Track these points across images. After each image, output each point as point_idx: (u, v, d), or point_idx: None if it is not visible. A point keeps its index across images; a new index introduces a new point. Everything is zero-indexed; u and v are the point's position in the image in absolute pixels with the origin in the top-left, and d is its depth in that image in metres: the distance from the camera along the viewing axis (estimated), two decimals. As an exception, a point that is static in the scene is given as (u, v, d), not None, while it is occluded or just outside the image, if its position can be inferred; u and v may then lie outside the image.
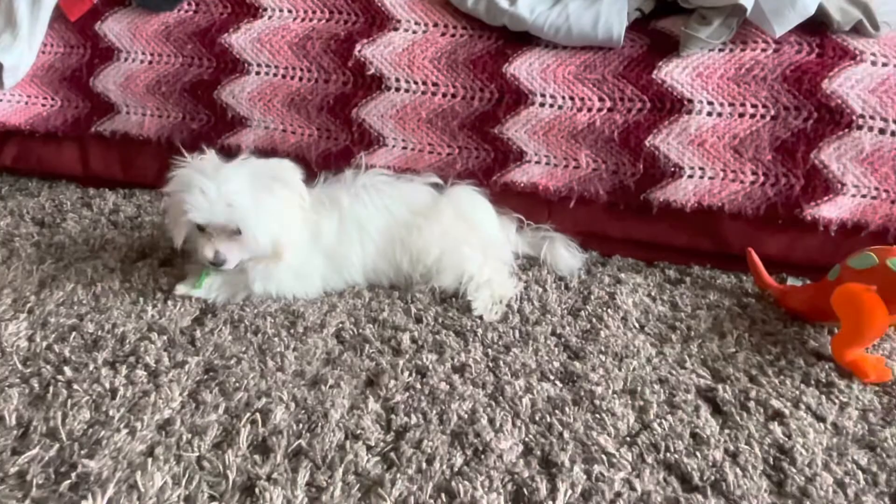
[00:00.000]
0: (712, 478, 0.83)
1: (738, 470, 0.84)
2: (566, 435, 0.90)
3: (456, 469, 0.83)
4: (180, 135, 1.68)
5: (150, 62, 1.70)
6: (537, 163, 1.48)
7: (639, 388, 1.01)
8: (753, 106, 1.35)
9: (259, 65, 1.61)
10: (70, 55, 1.76)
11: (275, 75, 1.61)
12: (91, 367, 1.01)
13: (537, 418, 0.93)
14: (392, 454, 0.85)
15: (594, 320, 1.22)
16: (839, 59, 1.32)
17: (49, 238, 1.48)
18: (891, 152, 1.29)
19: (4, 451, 0.83)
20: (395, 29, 1.55)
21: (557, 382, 1.03)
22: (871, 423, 0.95)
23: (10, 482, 0.79)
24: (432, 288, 1.30)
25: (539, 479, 0.81)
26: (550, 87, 1.44)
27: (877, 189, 1.32)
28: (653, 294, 1.33)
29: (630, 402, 0.98)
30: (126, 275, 1.31)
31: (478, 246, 1.30)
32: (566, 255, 1.42)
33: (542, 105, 1.45)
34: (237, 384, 0.98)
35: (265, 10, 1.63)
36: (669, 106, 1.38)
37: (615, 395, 0.99)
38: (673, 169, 1.39)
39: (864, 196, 1.32)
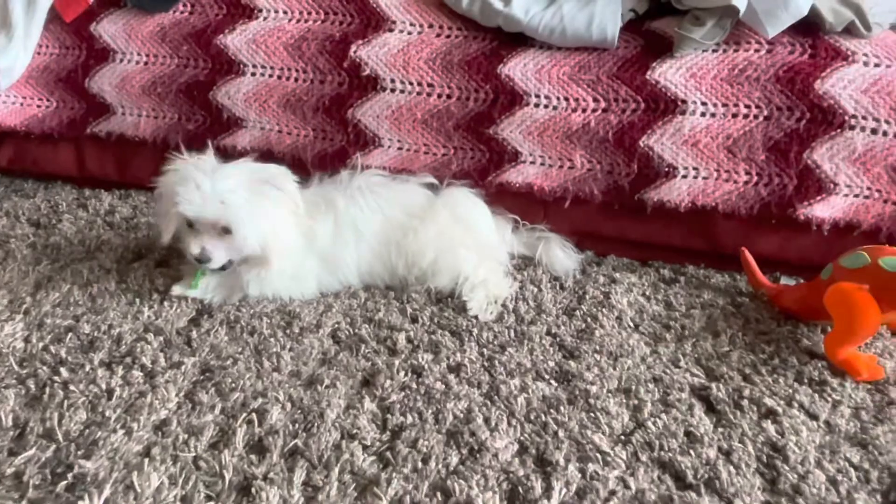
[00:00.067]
0: (706, 476, 0.83)
1: (731, 468, 0.85)
2: (561, 434, 0.90)
3: (451, 468, 0.83)
4: (176, 136, 1.68)
5: (146, 63, 1.70)
6: (532, 163, 1.48)
7: (633, 387, 1.01)
8: (747, 106, 1.35)
9: (255, 66, 1.62)
10: (65, 56, 1.76)
11: (270, 76, 1.61)
12: (87, 367, 1.01)
13: (532, 417, 0.94)
14: (388, 453, 0.85)
15: (589, 320, 1.22)
16: (831, 59, 1.33)
17: (45, 239, 1.48)
18: (883, 152, 1.30)
19: (1, 452, 0.84)
20: (391, 30, 1.56)
21: (552, 382, 1.03)
22: (864, 420, 0.96)
23: (6, 483, 0.79)
24: (428, 288, 1.30)
25: (534, 478, 0.81)
26: (545, 88, 1.45)
27: (869, 189, 1.33)
28: (647, 293, 1.34)
29: (624, 400, 0.98)
30: (122, 276, 1.32)
31: (473, 247, 1.31)
32: (562, 256, 1.43)
33: (536, 106, 1.45)
34: (233, 384, 0.98)
35: (260, 11, 1.64)
36: (663, 106, 1.39)
37: (610, 394, 1.00)
38: (667, 169, 1.40)
39: (856, 196, 1.33)
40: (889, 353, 1.15)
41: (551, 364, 1.08)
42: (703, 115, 1.37)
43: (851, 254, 1.15)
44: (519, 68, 1.46)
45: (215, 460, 0.83)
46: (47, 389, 0.95)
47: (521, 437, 0.90)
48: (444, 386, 1.00)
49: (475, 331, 1.17)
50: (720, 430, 0.93)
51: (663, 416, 0.95)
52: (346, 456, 0.84)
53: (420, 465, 0.83)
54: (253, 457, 0.84)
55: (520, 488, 0.80)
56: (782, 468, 0.85)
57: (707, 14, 1.35)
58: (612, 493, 0.80)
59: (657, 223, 1.45)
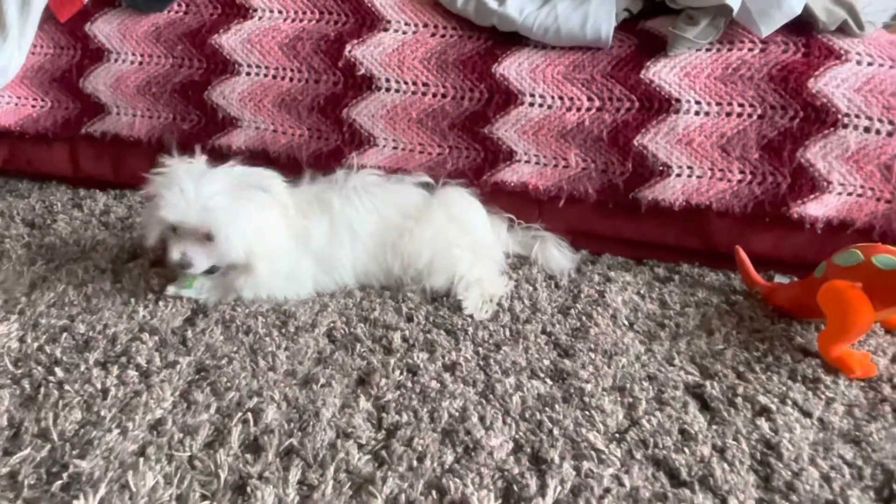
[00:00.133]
0: (700, 473, 0.84)
1: (725, 465, 0.85)
2: (556, 432, 0.90)
3: (447, 466, 0.84)
4: (171, 136, 1.68)
5: (141, 63, 1.70)
6: (527, 162, 1.49)
7: (628, 385, 1.02)
8: (740, 105, 1.36)
9: (249, 65, 1.62)
10: (60, 56, 1.75)
11: (265, 76, 1.61)
12: (82, 367, 1.01)
13: (527, 416, 0.94)
14: (383, 452, 0.85)
15: (584, 318, 1.23)
16: (825, 58, 1.34)
17: (40, 239, 1.48)
18: (875, 150, 1.31)
19: (-4, 451, 0.84)
20: (385, 29, 1.56)
21: (547, 380, 1.03)
22: (857, 418, 0.96)
23: (1, 483, 0.79)
24: (423, 287, 1.30)
25: (529, 476, 0.82)
26: (540, 87, 1.45)
27: (862, 187, 1.33)
28: (642, 292, 1.34)
29: (619, 398, 0.99)
30: (117, 275, 1.32)
31: (468, 246, 1.31)
32: (557, 256, 1.43)
33: (531, 105, 1.45)
34: (229, 384, 0.98)
35: (255, 10, 1.64)
36: (657, 105, 1.39)
37: (604, 393, 1.00)
38: (661, 168, 1.40)
39: (849, 194, 1.34)
40: (882, 350, 1.15)
41: (546, 362, 1.08)
42: (697, 113, 1.38)
43: (845, 252, 1.16)
44: (514, 67, 1.47)
45: (210, 459, 0.83)
46: (42, 389, 0.95)
47: (516, 436, 0.90)
48: (439, 385, 1.00)
49: (470, 330, 1.17)
50: (714, 427, 0.93)
51: (658, 413, 0.95)
52: (341, 455, 0.84)
53: (415, 463, 0.83)
54: (248, 456, 0.84)
55: (515, 486, 0.80)
56: (776, 465, 0.85)
57: (701, 13, 1.35)
58: (607, 490, 0.81)
59: (652, 222, 1.46)
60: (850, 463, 0.87)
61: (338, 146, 1.58)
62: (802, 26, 1.36)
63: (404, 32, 1.55)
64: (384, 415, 0.93)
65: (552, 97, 1.44)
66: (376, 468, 0.83)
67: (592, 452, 0.86)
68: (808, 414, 0.96)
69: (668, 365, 1.08)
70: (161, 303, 1.22)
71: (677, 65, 1.39)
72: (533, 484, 0.80)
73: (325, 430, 0.89)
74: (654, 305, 1.29)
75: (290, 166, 1.57)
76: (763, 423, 0.93)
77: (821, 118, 1.32)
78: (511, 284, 1.34)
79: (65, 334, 1.10)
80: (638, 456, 0.87)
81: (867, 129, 1.31)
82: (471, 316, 1.22)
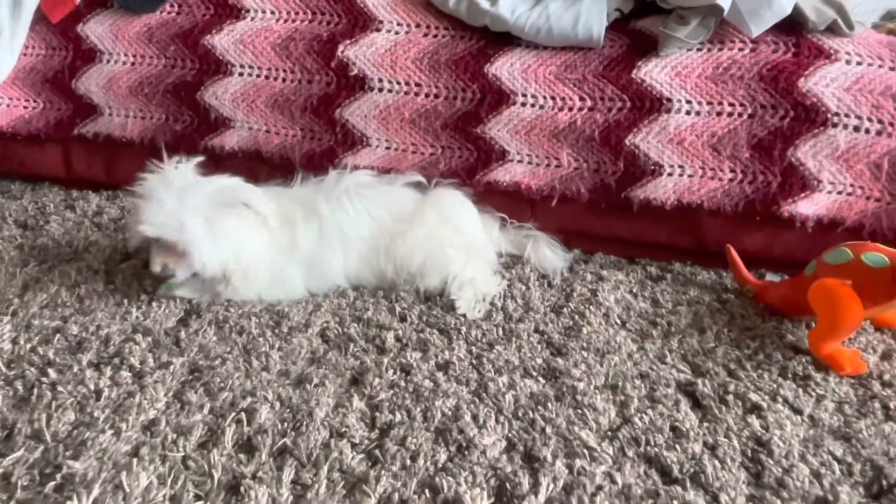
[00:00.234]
0: (691, 470, 0.84)
1: (716, 462, 0.86)
2: (548, 430, 0.91)
3: (440, 465, 0.84)
4: (163, 136, 1.68)
5: (133, 64, 1.70)
6: (519, 162, 1.49)
7: (620, 384, 1.02)
8: (731, 105, 1.37)
9: (242, 66, 1.62)
10: (52, 57, 1.75)
11: (258, 76, 1.61)
12: (75, 368, 1.01)
13: (520, 414, 0.94)
14: (377, 451, 0.86)
15: (576, 317, 1.23)
16: (814, 58, 1.34)
17: (32, 240, 1.47)
18: (865, 149, 1.32)
19: (-11, 453, 0.84)
20: (378, 30, 1.56)
21: (540, 379, 1.04)
22: (847, 414, 0.97)
23: (-5, 484, 0.79)
24: (416, 287, 1.31)
25: (522, 474, 0.82)
26: (532, 87, 1.45)
27: (852, 186, 1.34)
28: (634, 291, 1.35)
29: (611, 397, 0.99)
30: (110, 276, 1.31)
31: (461, 246, 1.31)
32: (550, 255, 1.44)
33: (523, 105, 1.46)
34: (222, 384, 0.99)
35: (248, 11, 1.64)
36: (649, 105, 1.40)
37: (597, 391, 1.01)
38: (653, 167, 1.41)
39: (839, 193, 1.35)
40: (872, 347, 1.16)
41: (539, 361, 1.08)
42: (688, 113, 1.38)
43: (834, 250, 1.17)
44: (506, 67, 1.47)
45: (204, 460, 0.83)
46: (35, 390, 0.95)
47: (509, 434, 0.90)
48: (432, 384, 1.01)
49: (463, 329, 1.18)
50: (706, 425, 0.93)
51: (650, 411, 0.96)
52: (334, 454, 0.84)
53: (408, 462, 0.84)
54: (242, 456, 0.84)
55: (507, 484, 0.81)
56: (767, 462, 0.86)
57: (691, 13, 1.36)
58: (599, 488, 0.81)
59: (643, 221, 1.46)
60: (840, 459, 0.87)
61: (331, 146, 1.58)
62: (792, 26, 1.36)
63: (397, 33, 1.56)
64: (377, 414, 0.93)
65: (544, 97, 1.45)
66: (370, 467, 0.83)
67: (585, 450, 0.87)
68: (798, 411, 0.97)
69: (660, 363, 1.09)
70: (154, 304, 1.22)
71: (668, 64, 1.40)
72: (525, 482, 0.81)
73: (318, 430, 0.89)
74: (646, 304, 1.30)
75: (284, 167, 1.58)
76: (754, 421, 0.94)
77: (811, 117, 1.33)
78: (504, 284, 1.35)
79: (58, 335, 1.10)
80: (630, 453, 0.87)
81: (857, 129, 1.32)
82: (464, 315, 1.23)
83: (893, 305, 1.11)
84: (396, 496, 0.78)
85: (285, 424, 0.90)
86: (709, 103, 1.37)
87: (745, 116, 1.36)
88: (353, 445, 0.87)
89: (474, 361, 1.08)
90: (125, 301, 1.22)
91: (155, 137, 1.69)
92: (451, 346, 1.12)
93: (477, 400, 0.97)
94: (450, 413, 0.94)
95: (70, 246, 1.45)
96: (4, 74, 1.75)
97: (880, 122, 1.31)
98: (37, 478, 0.80)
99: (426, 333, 1.15)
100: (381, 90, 1.53)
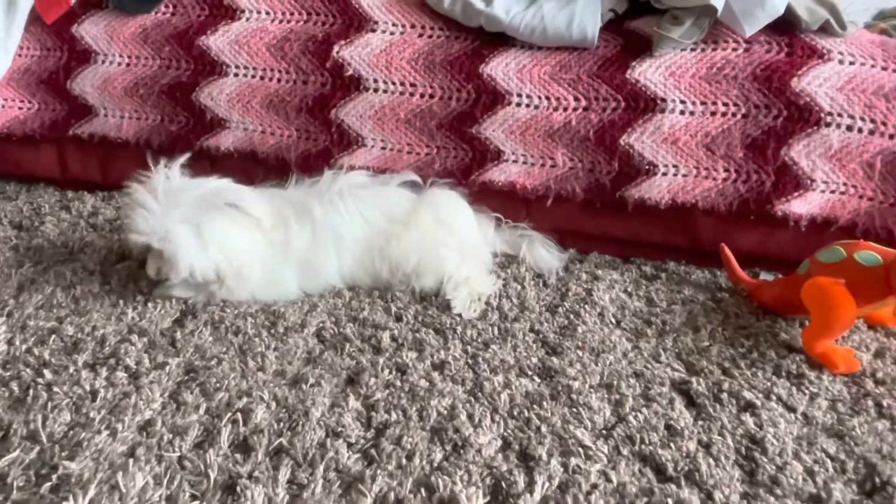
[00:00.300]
0: (686, 468, 0.85)
1: (711, 460, 0.86)
2: (544, 429, 0.91)
3: (435, 464, 0.84)
4: (159, 137, 1.68)
5: (128, 64, 1.70)
6: (514, 162, 1.49)
7: (615, 382, 1.03)
8: (725, 104, 1.37)
9: (237, 66, 1.62)
10: (47, 58, 1.75)
11: (253, 77, 1.61)
12: (71, 369, 1.01)
13: (515, 413, 0.95)
14: (372, 451, 0.86)
15: (572, 316, 1.24)
16: (808, 58, 1.35)
17: (27, 241, 1.47)
18: (858, 149, 1.32)
19: (-15, 454, 0.84)
20: (373, 30, 1.56)
21: (535, 378, 1.04)
22: (840, 412, 0.97)
23: (-9, 485, 0.79)
24: (412, 287, 1.31)
25: (517, 473, 0.82)
26: (527, 87, 1.46)
27: (845, 185, 1.35)
28: (629, 290, 1.35)
29: (606, 395, 1.00)
30: (105, 277, 1.31)
31: (456, 246, 1.31)
32: (545, 255, 1.44)
33: (518, 105, 1.46)
34: (218, 384, 0.99)
35: (243, 11, 1.64)
36: (643, 105, 1.40)
37: (592, 390, 1.01)
38: (647, 167, 1.41)
39: (832, 192, 1.35)
40: (865, 345, 1.16)
41: (534, 360, 1.09)
42: (682, 113, 1.39)
43: (828, 249, 1.17)
44: (501, 68, 1.47)
45: (200, 460, 0.83)
46: (31, 391, 0.95)
47: (505, 433, 0.90)
48: (428, 383, 1.01)
49: (459, 328, 1.18)
50: (700, 423, 0.94)
51: (644, 410, 0.96)
52: (330, 454, 0.85)
53: (404, 461, 0.84)
54: (238, 456, 0.84)
55: (503, 483, 0.81)
56: (761, 460, 0.86)
57: (685, 13, 1.36)
58: (594, 486, 0.81)
59: (638, 220, 1.47)
60: (834, 457, 0.88)
61: (326, 147, 1.58)
62: (785, 26, 1.37)
63: (392, 33, 1.56)
64: (373, 414, 0.93)
65: (539, 97, 1.45)
66: (365, 467, 0.83)
67: (580, 449, 0.87)
68: (792, 409, 0.98)
69: (655, 362, 1.09)
70: (150, 304, 1.22)
71: (662, 64, 1.40)
72: (521, 481, 0.81)
73: (314, 430, 0.89)
74: (640, 303, 1.30)
75: (279, 167, 1.58)
76: (748, 419, 0.94)
77: (804, 117, 1.33)
78: (499, 283, 1.35)
79: (53, 336, 1.10)
80: (625, 452, 0.88)
81: (849, 128, 1.32)
82: (459, 315, 1.23)
83: (886, 304, 1.11)
84: (392, 495, 0.79)
85: (281, 424, 0.90)
86: (703, 103, 1.38)
87: (738, 116, 1.37)
88: (349, 445, 0.87)
89: (470, 361, 1.08)
90: (121, 302, 1.22)
91: (150, 138, 1.69)
92: (447, 345, 1.13)
93: (472, 399, 0.97)
94: (445, 412, 0.94)
95: (65, 247, 1.45)
96: (-1, 75, 1.75)
97: (873, 121, 1.32)
98: (33, 478, 0.80)
99: (422, 333, 1.16)
100: (376, 90, 1.54)
